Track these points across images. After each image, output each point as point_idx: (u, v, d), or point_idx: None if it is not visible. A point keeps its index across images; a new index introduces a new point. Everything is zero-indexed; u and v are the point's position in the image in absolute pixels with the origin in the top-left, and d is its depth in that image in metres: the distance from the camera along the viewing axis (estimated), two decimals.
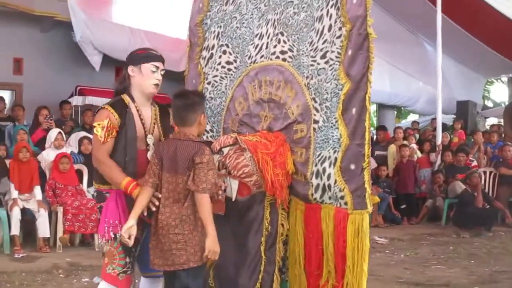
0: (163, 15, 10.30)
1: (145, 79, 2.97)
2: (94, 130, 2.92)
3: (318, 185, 3.32)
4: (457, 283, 5.49)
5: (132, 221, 2.84)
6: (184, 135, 2.90)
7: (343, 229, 3.17)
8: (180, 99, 3.00)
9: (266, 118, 3.63)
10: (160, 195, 2.92)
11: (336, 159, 3.19)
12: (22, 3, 9.52)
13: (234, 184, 3.34)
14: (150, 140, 3.06)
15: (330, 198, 3.26)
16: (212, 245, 2.85)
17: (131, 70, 3.02)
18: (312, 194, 3.36)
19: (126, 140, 2.97)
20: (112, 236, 3.08)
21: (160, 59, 3.08)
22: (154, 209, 2.92)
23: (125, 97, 3.02)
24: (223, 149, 3.42)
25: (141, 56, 3.06)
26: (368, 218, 3.14)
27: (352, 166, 3.12)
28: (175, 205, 2.87)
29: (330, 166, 3.24)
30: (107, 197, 3.12)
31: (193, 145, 2.86)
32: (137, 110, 2.99)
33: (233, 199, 3.35)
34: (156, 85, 3.01)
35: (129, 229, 2.83)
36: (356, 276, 3.07)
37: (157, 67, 3.02)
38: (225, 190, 3.36)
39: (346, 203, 3.14)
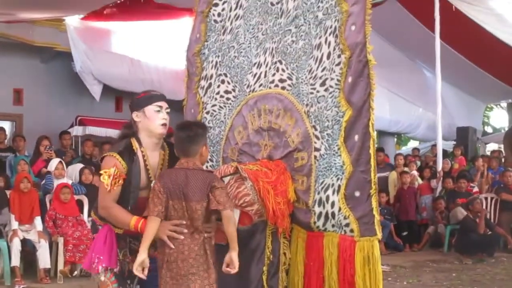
0: (161, 45, 10.44)
1: (151, 121, 3.00)
2: (101, 178, 2.94)
3: (320, 213, 3.34)
4: None
5: (143, 255, 2.83)
6: (193, 164, 2.95)
7: (350, 256, 3.18)
8: (183, 131, 3.01)
9: (266, 146, 3.64)
10: (184, 222, 2.92)
11: (339, 186, 3.22)
12: (22, 34, 9.77)
13: (235, 214, 3.35)
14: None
15: (333, 226, 3.28)
16: (235, 258, 2.91)
17: (135, 115, 3.04)
18: (315, 222, 3.37)
19: (130, 188, 3.00)
20: (100, 269, 3.08)
21: (162, 98, 3.12)
22: (182, 237, 2.89)
23: (134, 142, 3.05)
24: (223, 179, 3.42)
25: (143, 99, 3.08)
26: (377, 244, 3.13)
27: (357, 193, 3.15)
28: (193, 233, 2.93)
29: (333, 193, 3.26)
30: (99, 229, 3.15)
31: (206, 173, 2.96)
32: (144, 157, 3.02)
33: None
34: (164, 125, 3.05)
35: (142, 263, 2.83)
36: None
37: (161, 107, 3.06)
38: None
39: (352, 231, 3.16)
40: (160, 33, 10.29)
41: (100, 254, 3.12)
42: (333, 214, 3.26)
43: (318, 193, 3.38)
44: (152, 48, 10.33)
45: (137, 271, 2.84)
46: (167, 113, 3.09)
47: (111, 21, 10.18)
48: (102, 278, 3.16)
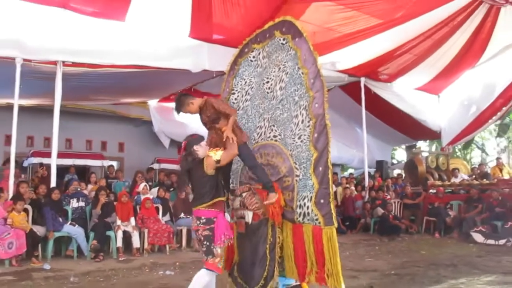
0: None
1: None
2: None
3: (300, 212, 4.24)
4: (381, 269, 6.87)
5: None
6: None
7: (319, 238, 4.09)
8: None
9: None
10: None
11: (311, 197, 4.13)
12: (123, 110, 12.74)
13: (249, 214, 4.30)
14: None
15: (308, 220, 4.16)
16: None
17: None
18: (297, 218, 4.28)
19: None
20: (226, 242, 4.05)
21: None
22: None
23: None
24: (242, 194, 4.40)
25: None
26: (335, 230, 4.08)
27: (322, 201, 4.07)
28: None
29: (308, 201, 4.16)
30: (215, 220, 4.01)
31: None
32: None
33: (250, 223, 4.31)
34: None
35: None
36: (334, 264, 4.01)
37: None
38: (244, 218, 4.35)
39: (320, 223, 4.05)
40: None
41: (226, 231, 4.03)
42: (308, 213, 4.16)
43: (299, 201, 4.26)
44: (196, 117, 12.64)
45: None
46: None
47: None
48: (218, 250, 4.02)
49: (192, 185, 4.29)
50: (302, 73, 4.37)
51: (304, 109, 4.33)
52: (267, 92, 4.78)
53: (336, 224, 4.06)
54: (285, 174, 4.46)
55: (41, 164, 10.34)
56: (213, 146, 4.43)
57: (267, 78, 4.80)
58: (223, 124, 4.39)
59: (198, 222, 4.11)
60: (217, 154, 4.11)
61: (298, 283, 4.53)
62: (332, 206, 4.06)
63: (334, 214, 4.07)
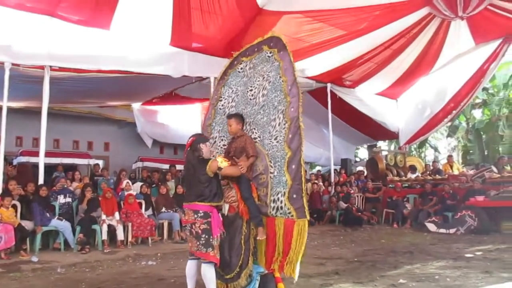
0: (182, 118, 13.29)
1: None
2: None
3: (274, 206, 4.23)
4: (345, 256, 6.91)
5: None
6: None
7: (291, 230, 4.09)
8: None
9: None
10: None
11: (285, 192, 4.13)
12: (108, 112, 12.60)
13: (226, 206, 4.30)
14: None
15: (281, 213, 4.16)
16: None
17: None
18: (270, 212, 4.27)
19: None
20: (220, 235, 4.03)
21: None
22: None
23: None
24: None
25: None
26: (307, 223, 4.07)
27: (295, 196, 4.07)
28: None
29: (282, 196, 4.16)
30: (211, 215, 4.00)
31: None
32: None
33: (226, 215, 4.27)
34: None
35: None
36: (296, 253, 4.02)
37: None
38: (221, 210, 4.29)
39: (292, 216, 4.05)
40: (182, 111, 13.10)
41: (220, 226, 4.04)
42: (281, 207, 4.16)
43: (273, 196, 4.25)
44: (176, 119, 13.24)
45: None
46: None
47: (157, 105, 12.85)
48: (215, 243, 4.00)
49: (188, 180, 4.28)
50: (283, 81, 4.48)
51: (281, 113, 4.40)
52: (250, 99, 4.84)
53: (308, 217, 4.09)
54: (261, 172, 4.48)
55: (10, 163, 9.91)
56: (226, 154, 4.61)
57: (251, 87, 4.87)
58: (242, 159, 4.48)
59: (195, 216, 4.05)
60: (223, 163, 4.15)
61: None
62: (305, 200, 4.09)
63: (306, 208, 4.09)
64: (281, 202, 4.20)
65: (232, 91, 5.16)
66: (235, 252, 4.28)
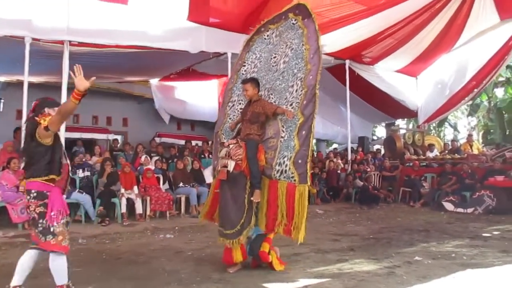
0: (200, 93, 13.27)
1: None
2: None
3: (278, 170, 4.33)
4: (361, 233, 6.97)
5: None
6: None
7: (293, 193, 4.18)
8: None
9: None
10: None
11: (291, 157, 4.23)
12: (127, 88, 12.72)
13: (232, 163, 4.38)
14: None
15: (284, 177, 4.26)
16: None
17: None
18: (274, 175, 4.36)
19: None
20: (63, 220, 3.24)
21: None
22: None
23: None
24: (230, 145, 4.51)
25: None
26: (308, 188, 4.12)
27: (300, 161, 4.18)
28: None
29: (288, 160, 4.26)
30: (48, 195, 3.24)
31: None
32: None
33: (231, 172, 4.36)
34: None
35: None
36: (300, 218, 4.10)
37: None
38: (227, 167, 4.38)
39: (295, 180, 4.15)
40: (199, 87, 13.09)
41: (64, 208, 3.33)
42: (285, 171, 4.25)
43: (279, 159, 4.35)
44: (194, 95, 13.22)
45: None
46: None
47: (174, 81, 12.76)
48: (58, 229, 3.31)
49: (26, 154, 3.48)
50: (305, 49, 4.53)
51: (300, 80, 4.48)
52: (272, 66, 4.93)
53: (309, 183, 4.14)
54: (271, 136, 4.60)
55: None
56: (242, 116, 4.86)
57: (275, 54, 4.95)
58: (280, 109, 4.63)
59: (28, 197, 3.34)
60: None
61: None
62: (308, 166, 4.14)
63: (309, 174, 4.14)
64: (286, 165, 4.28)
65: (256, 57, 5.25)
66: (238, 208, 4.35)
